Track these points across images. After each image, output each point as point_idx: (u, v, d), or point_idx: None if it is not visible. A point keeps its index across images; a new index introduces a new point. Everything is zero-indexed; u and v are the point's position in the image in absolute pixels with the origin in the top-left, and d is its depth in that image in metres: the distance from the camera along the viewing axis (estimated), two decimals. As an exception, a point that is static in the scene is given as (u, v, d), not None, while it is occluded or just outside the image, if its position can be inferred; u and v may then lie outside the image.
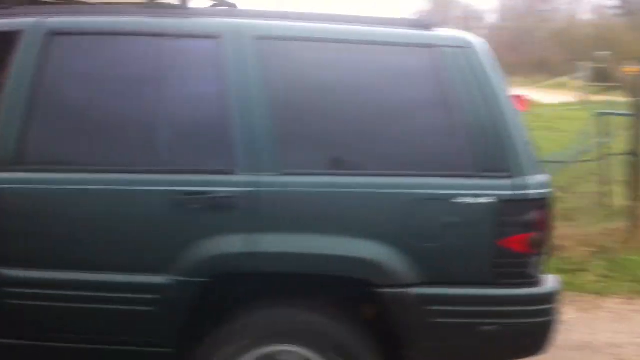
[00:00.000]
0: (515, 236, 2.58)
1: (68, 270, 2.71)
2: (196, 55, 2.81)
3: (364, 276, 2.61)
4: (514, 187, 2.58)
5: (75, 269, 2.70)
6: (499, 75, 2.73)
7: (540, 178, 2.65)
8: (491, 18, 50.22)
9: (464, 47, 2.70)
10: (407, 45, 2.77)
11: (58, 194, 2.73)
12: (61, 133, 2.81)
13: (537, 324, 2.67)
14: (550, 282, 2.72)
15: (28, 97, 2.71)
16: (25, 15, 2.91)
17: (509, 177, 2.59)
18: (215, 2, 3.36)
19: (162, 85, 2.79)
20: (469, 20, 43.57)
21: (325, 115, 2.70)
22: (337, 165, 2.69)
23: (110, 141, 2.78)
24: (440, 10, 43.95)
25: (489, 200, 2.57)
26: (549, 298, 2.66)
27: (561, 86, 28.06)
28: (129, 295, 2.68)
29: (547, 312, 2.66)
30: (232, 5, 3.39)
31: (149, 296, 2.67)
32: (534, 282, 2.64)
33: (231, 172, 2.65)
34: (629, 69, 10.36)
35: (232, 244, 2.61)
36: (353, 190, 2.64)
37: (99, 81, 2.83)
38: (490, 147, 2.61)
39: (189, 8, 2.95)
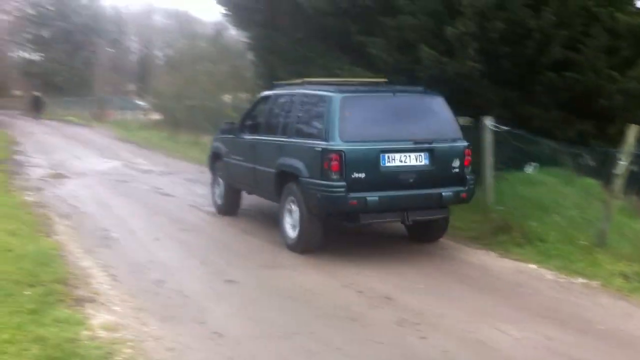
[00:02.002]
0: (327, 162, 7.11)
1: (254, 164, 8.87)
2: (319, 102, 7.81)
3: (296, 173, 7.61)
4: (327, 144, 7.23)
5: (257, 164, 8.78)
6: None
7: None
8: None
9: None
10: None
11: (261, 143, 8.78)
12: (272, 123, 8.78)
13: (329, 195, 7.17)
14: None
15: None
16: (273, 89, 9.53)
17: (326, 140, 7.23)
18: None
19: (303, 111, 8.17)
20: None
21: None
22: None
23: (280, 128, 8.38)
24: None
25: (321, 149, 7.21)
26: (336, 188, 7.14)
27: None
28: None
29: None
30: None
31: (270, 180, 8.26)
32: (335, 180, 7.11)
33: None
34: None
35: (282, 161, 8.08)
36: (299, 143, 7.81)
37: (284, 110, 8.58)
38: (322, 129, 7.45)
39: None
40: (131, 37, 76.89)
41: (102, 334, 4.99)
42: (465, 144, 7.71)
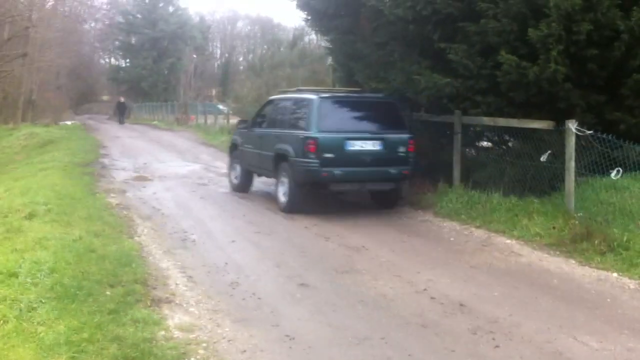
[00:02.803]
0: (306, 145, 9.96)
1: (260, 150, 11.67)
2: (304, 104, 10.69)
3: (287, 154, 10.40)
4: (307, 133, 10.10)
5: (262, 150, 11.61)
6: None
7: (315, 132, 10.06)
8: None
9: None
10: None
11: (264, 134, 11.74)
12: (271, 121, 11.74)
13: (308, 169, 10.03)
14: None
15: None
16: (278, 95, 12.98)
17: (307, 130, 10.15)
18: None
19: (294, 110, 10.97)
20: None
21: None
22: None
23: (278, 123, 11.32)
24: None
25: (303, 136, 10.09)
26: (312, 164, 9.98)
27: None
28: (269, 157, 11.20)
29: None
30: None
31: (270, 160, 11.11)
32: (312, 158, 9.91)
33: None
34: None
35: (278, 146, 10.84)
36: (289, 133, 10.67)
37: (282, 110, 11.43)
38: (305, 122, 10.40)
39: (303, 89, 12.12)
40: (215, 43, 78.85)
41: (178, 334, 5.10)
42: (409, 135, 10.49)
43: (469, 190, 10.41)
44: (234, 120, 31.69)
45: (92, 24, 54.16)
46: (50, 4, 41.83)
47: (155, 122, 41.28)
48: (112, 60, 71.28)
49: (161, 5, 63.29)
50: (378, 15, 11.24)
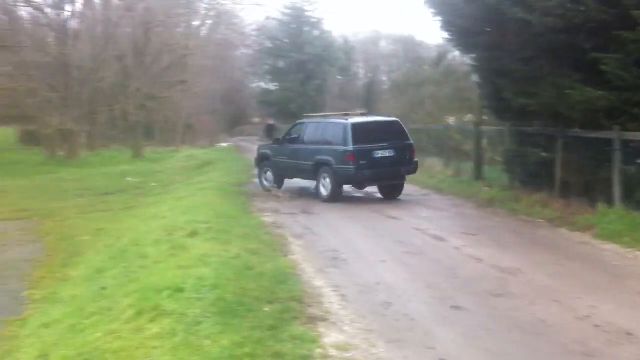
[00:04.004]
0: (347, 156, 14.03)
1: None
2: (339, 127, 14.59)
3: (330, 161, 14.32)
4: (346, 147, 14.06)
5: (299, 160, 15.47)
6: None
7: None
8: None
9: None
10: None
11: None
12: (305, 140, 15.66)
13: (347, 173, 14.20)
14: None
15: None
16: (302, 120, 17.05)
17: (346, 145, 14.07)
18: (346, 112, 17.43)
19: (327, 131, 14.98)
20: None
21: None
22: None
23: (313, 140, 15.24)
24: None
25: (343, 150, 14.09)
26: (351, 169, 14.11)
27: None
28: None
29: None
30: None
31: (310, 167, 14.93)
32: (351, 164, 13.99)
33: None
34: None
35: (318, 157, 14.74)
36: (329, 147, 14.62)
37: (314, 131, 15.40)
38: (343, 140, 14.25)
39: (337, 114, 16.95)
40: (358, 63, 79.98)
41: (334, 353, 5.21)
42: (411, 143, 14.75)
43: (631, 210, 9.79)
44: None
45: (243, 50, 56.77)
46: (204, 32, 44.50)
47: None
48: (262, 84, 74.26)
49: (307, 29, 65.17)
50: (525, 28, 10.93)
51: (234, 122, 68.95)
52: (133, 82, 35.87)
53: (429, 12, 14.24)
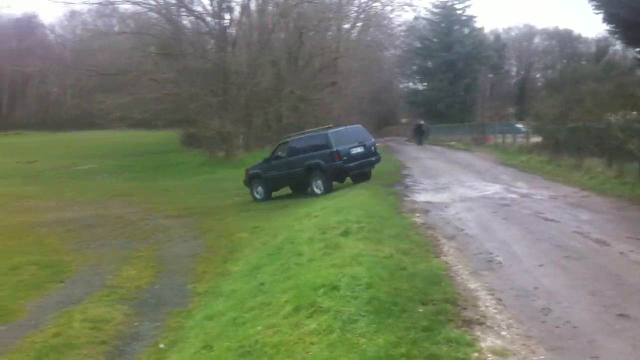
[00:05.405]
0: (333, 155, 18.22)
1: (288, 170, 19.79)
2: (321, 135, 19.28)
3: (319, 163, 18.45)
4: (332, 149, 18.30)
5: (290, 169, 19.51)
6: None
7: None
8: None
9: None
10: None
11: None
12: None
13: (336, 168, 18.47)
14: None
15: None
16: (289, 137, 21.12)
17: (331, 148, 18.35)
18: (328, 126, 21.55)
19: (311, 141, 19.36)
20: None
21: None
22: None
23: (300, 151, 19.31)
24: None
25: (330, 151, 18.29)
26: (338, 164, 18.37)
27: None
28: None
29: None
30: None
31: (302, 172, 18.96)
32: (337, 161, 18.35)
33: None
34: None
35: (308, 162, 18.84)
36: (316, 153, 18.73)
37: (298, 144, 19.57)
38: (327, 144, 18.58)
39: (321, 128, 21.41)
40: (511, 60, 77.50)
41: (491, 358, 5.09)
42: (374, 140, 19.91)
43: None
44: (535, 139, 30.88)
45: (392, 51, 56.88)
46: (354, 35, 45.02)
47: (452, 143, 41.79)
48: (410, 84, 73.96)
49: (456, 27, 64.14)
50: None
51: (382, 122, 69.34)
52: (286, 85, 37.08)
53: (589, 5, 13.53)
